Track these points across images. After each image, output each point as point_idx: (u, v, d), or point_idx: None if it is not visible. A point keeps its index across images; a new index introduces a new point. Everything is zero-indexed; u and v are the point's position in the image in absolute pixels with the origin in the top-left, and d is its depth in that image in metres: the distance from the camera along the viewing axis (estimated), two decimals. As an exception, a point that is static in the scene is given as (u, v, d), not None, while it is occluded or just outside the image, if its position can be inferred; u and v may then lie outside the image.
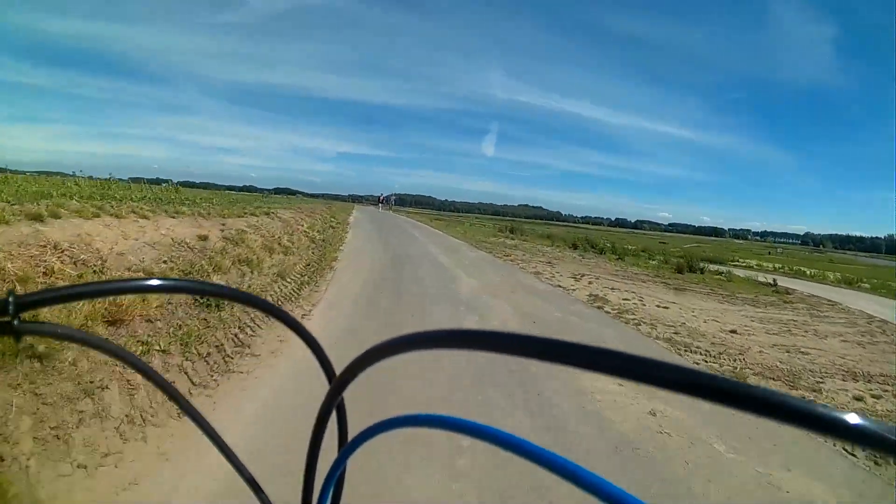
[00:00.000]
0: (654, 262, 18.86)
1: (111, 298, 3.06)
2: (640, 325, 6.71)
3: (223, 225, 7.14)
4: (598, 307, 7.67)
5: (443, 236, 18.96)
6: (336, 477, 0.47)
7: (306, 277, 7.41)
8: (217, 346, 3.91)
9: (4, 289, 2.77)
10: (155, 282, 0.38)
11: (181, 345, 3.63)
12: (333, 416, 0.45)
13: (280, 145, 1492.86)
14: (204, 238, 5.90)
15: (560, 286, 9.48)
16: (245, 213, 9.23)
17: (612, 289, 9.74)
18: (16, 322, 0.32)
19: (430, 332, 0.30)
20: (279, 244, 8.52)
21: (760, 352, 5.90)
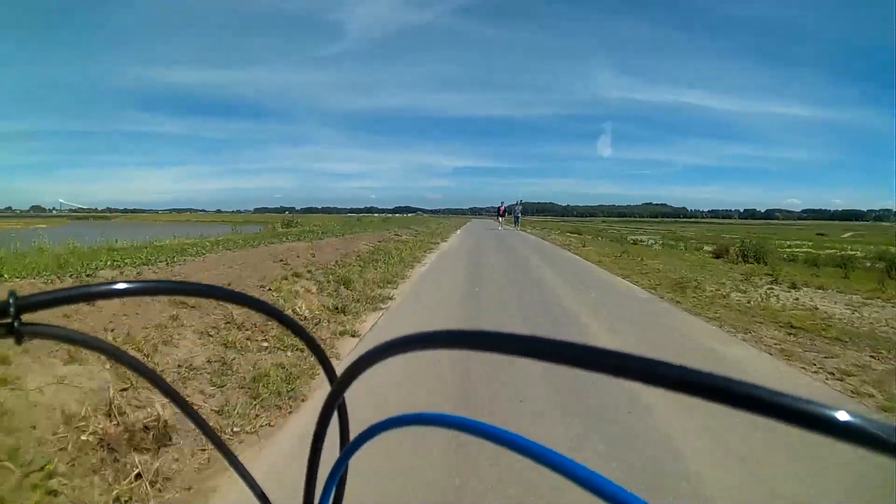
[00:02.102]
0: None
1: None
2: None
3: None
4: None
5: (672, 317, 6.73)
6: (338, 477, 0.47)
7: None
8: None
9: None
10: (157, 284, 0.39)
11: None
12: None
13: (397, 165, 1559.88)
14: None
15: None
16: None
17: None
18: (16, 324, 0.32)
19: (431, 332, 0.30)
20: None
21: None
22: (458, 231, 26.95)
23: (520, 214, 30.12)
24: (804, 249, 24.09)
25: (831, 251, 22.10)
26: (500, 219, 31.91)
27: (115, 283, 0.36)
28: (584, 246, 16.80)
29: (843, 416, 0.20)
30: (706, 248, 20.96)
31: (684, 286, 9.06)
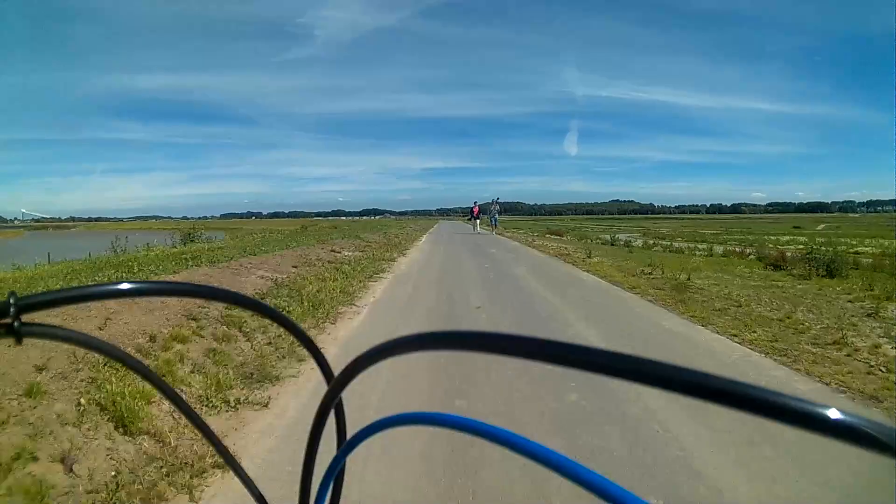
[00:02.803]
0: None
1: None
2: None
3: None
4: None
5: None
6: (334, 476, 0.47)
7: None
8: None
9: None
10: (156, 285, 0.39)
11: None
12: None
13: (366, 168, 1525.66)
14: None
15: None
16: None
17: None
18: (16, 324, 0.32)
19: (430, 332, 0.30)
20: None
21: None
22: (424, 237, 22.21)
23: (497, 216, 25.33)
24: (801, 246, 20.98)
25: (843, 247, 19.38)
26: (476, 221, 26.72)
27: (118, 283, 0.35)
28: (589, 257, 12.64)
29: (838, 415, 0.20)
30: (717, 248, 17.30)
31: (815, 341, 5.12)
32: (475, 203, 26.86)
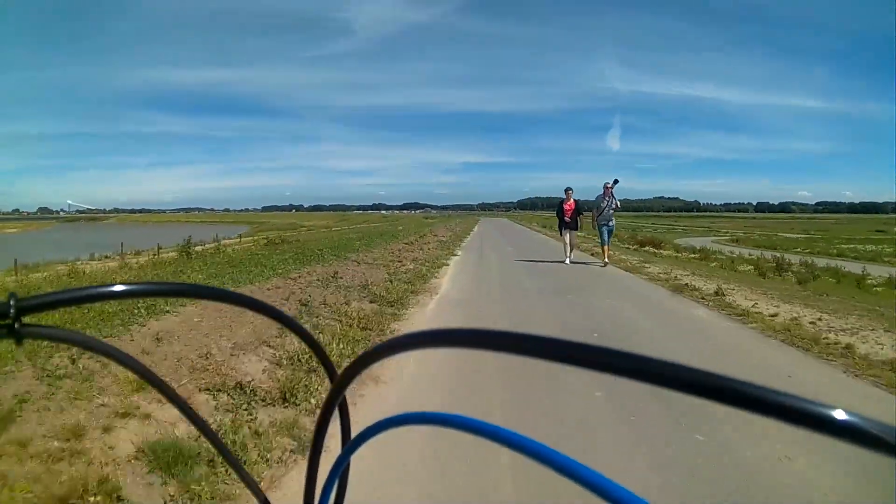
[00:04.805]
0: None
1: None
2: None
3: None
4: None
5: None
6: (338, 476, 0.46)
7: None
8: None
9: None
10: (157, 286, 0.39)
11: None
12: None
13: (406, 162, 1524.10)
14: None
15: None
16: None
17: None
18: (17, 325, 0.31)
19: (432, 330, 0.30)
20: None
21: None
22: (445, 282, 11.36)
23: (612, 221, 11.39)
24: None
25: None
26: (571, 233, 11.68)
27: (114, 285, 0.35)
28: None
29: (842, 415, 0.19)
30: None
31: None
32: (568, 191, 11.85)
